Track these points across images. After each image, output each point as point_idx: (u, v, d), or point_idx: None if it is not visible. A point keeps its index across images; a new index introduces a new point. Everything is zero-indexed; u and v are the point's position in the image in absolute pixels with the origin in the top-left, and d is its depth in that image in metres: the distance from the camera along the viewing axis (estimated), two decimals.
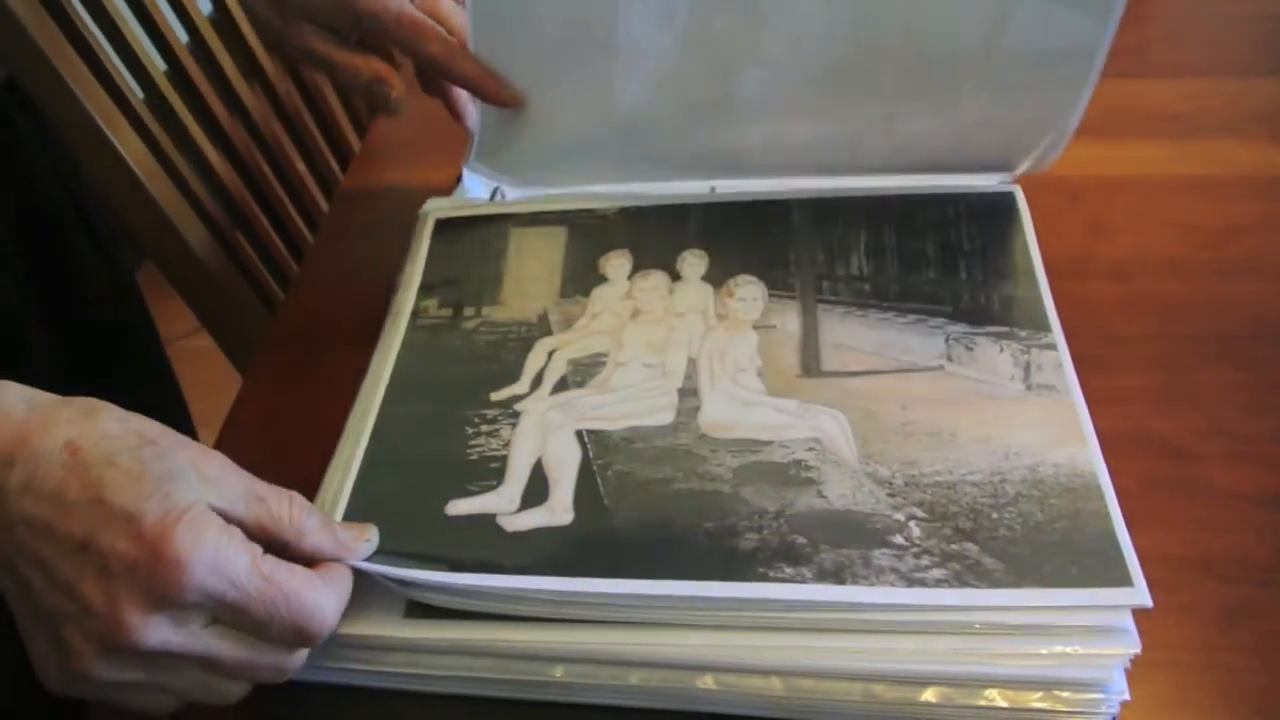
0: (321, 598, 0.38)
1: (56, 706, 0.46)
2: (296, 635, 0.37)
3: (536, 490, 0.45)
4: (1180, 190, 0.64)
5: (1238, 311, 0.56)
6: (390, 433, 0.49)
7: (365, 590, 0.41)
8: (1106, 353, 0.54)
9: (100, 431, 0.36)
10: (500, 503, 0.45)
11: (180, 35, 0.81)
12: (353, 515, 0.45)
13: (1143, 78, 0.73)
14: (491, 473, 0.46)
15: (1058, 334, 0.49)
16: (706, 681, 0.40)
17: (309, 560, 0.39)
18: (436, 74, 0.57)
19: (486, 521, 0.44)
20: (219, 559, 0.35)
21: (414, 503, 0.45)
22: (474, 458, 0.47)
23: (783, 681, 0.40)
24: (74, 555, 0.35)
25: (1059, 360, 0.48)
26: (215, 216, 0.79)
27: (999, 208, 0.56)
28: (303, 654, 0.40)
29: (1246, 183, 0.64)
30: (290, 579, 0.37)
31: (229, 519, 0.37)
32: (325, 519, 0.41)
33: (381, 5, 0.54)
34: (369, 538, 0.42)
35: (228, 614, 0.36)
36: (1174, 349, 0.55)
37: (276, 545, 0.39)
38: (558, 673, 0.42)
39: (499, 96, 0.56)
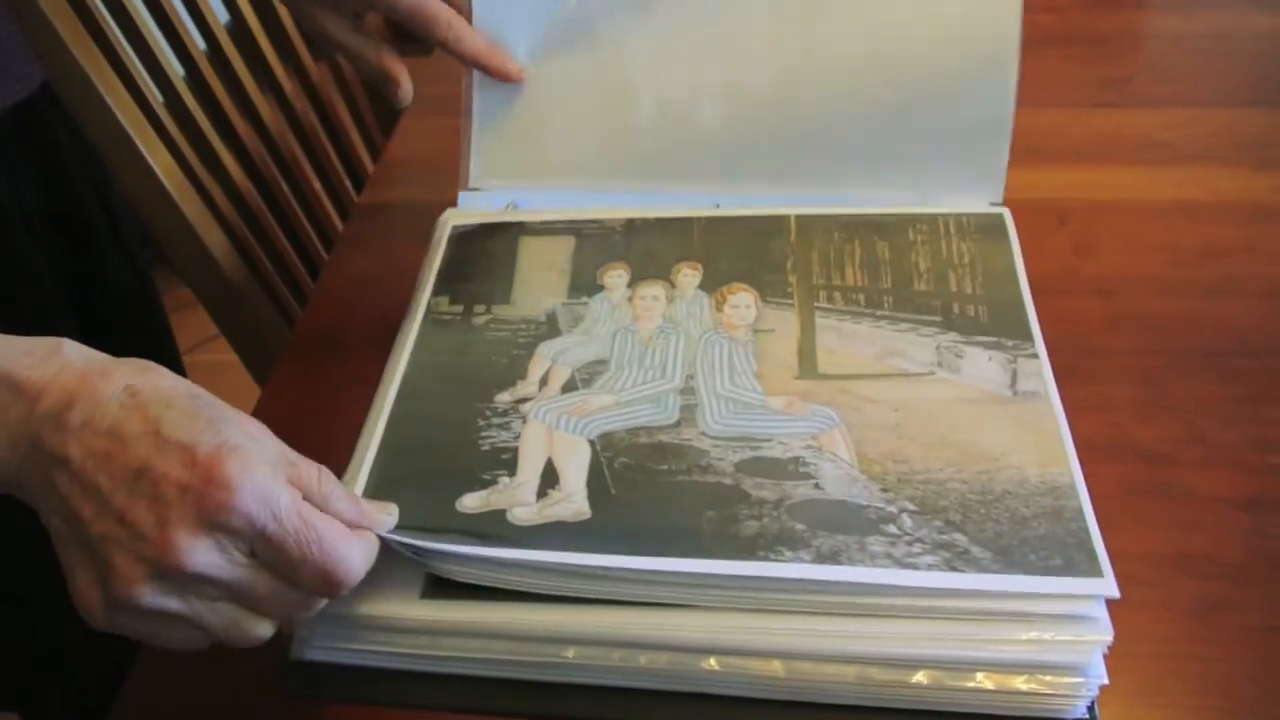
0: (352, 550, 0.40)
1: (109, 649, 0.48)
2: (323, 581, 0.40)
3: (547, 484, 0.48)
4: (1164, 214, 0.67)
5: (1217, 328, 0.59)
6: (404, 424, 0.51)
7: (383, 572, 0.43)
8: (1090, 365, 0.57)
9: (157, 381, 0.40)
10: (511, 496, 0.47)
11: (199, 42, 0.84)
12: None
13: (1130, 108, 0.76)
14: (503, 464, 0.48)
15: (1039, 344, 0.52)
16: (711, 664, 0.43)
17: None
18: (446, 52, 0.61)
19: (497, 518, 0.46)
20: (265, 490, 0.38)
21: (427, 493, 0.47)
22: (485, 448, 0.49)
23: (783, 664, 0.42)
24: (129, 483, 0.37)
25: (1039, 369, 0.50)
26: (236, 228, 0.82)
27: (989, 228, 0.58)
28: (323, 601, 0.42)
29: (1227, 207, 0.67)
30: (326, 526, 0.39)
31: None
32: (349, 493, 0.43)
33: None
34: (390, 513, 0.45)
35: (264, 548, 0.38)
36: (1155, 363, 0.57)
37: None
38: (569, 654, 0.44)
39: (503, 71, 0.61)
